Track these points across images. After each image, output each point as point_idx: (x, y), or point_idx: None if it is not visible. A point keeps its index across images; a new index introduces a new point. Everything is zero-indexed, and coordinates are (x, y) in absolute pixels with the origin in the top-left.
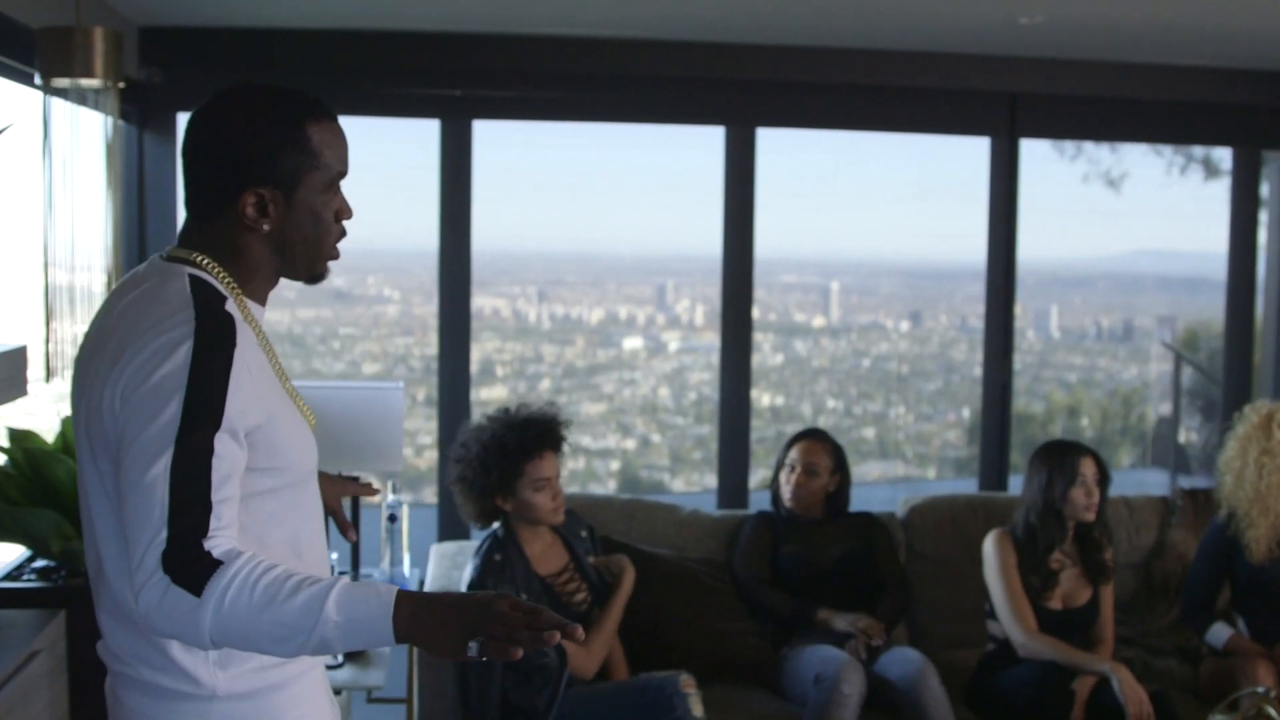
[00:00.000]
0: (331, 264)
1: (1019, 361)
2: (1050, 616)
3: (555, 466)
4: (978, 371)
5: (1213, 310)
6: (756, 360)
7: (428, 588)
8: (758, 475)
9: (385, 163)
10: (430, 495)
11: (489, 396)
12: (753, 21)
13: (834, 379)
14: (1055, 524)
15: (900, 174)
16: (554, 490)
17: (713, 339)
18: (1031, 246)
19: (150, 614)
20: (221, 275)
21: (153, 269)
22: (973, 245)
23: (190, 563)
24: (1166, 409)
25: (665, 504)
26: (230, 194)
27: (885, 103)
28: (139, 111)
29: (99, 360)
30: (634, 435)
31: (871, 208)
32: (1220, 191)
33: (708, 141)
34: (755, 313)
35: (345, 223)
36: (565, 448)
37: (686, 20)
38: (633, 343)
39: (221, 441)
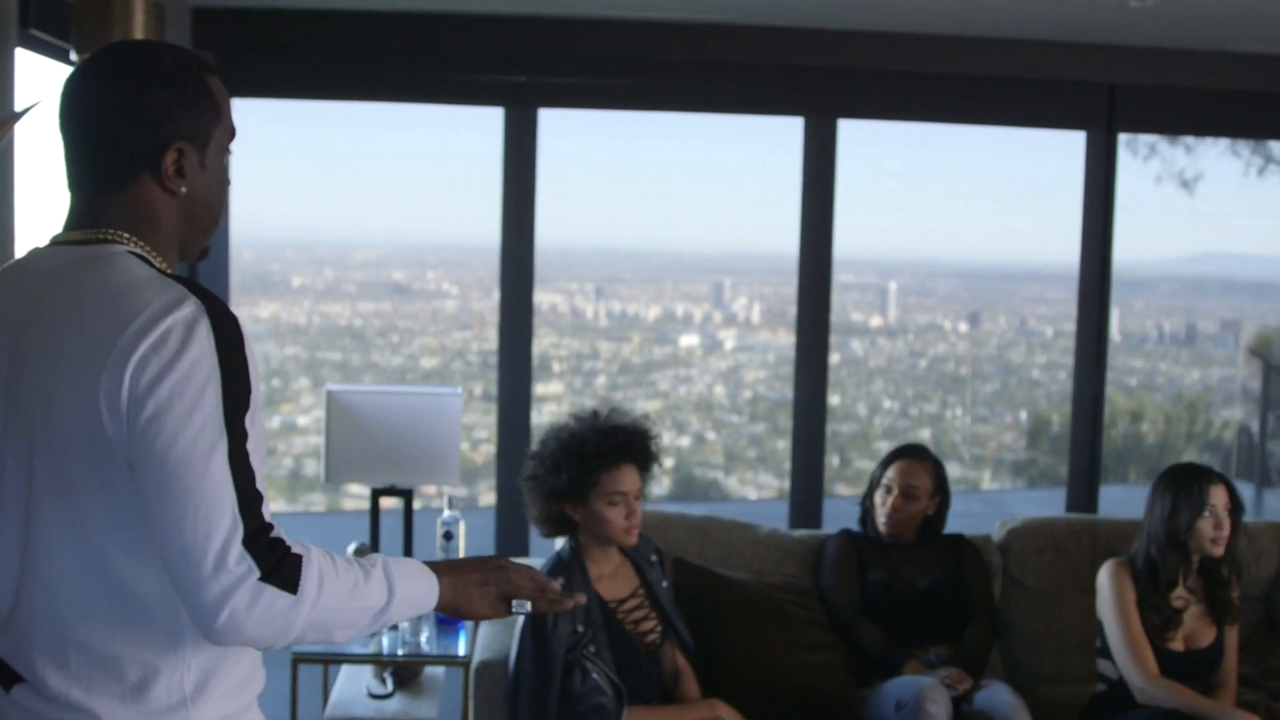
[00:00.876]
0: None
1: (1077, 356)
2: (1171, 659)
3: (637, 483)
4: (1036, 374)
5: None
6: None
7: None
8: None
9: (446, 153)
10: (488, 494)
11: (545, 392)
12: (835, 4)
13: (891, 379)
14: (1179, 558)
15: (966, 171)
16: (630, 508)
17: (769, 337)
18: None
19: (239, 622)
20: (149, 252)
21: (76, 255)
22: (1034, 245)
23: (278, 560)
24: (1231, 414)
25: (741, 522)
26: (147, 153)
27: (973, 94)
28: None
29: (49, 353)
30: (689, 433)
31: (933, 206)
32: None
33: (777, 134)
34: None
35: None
36: (655, 469)
37: (765, 3)
38: (689, 340)
39: (251, 424)
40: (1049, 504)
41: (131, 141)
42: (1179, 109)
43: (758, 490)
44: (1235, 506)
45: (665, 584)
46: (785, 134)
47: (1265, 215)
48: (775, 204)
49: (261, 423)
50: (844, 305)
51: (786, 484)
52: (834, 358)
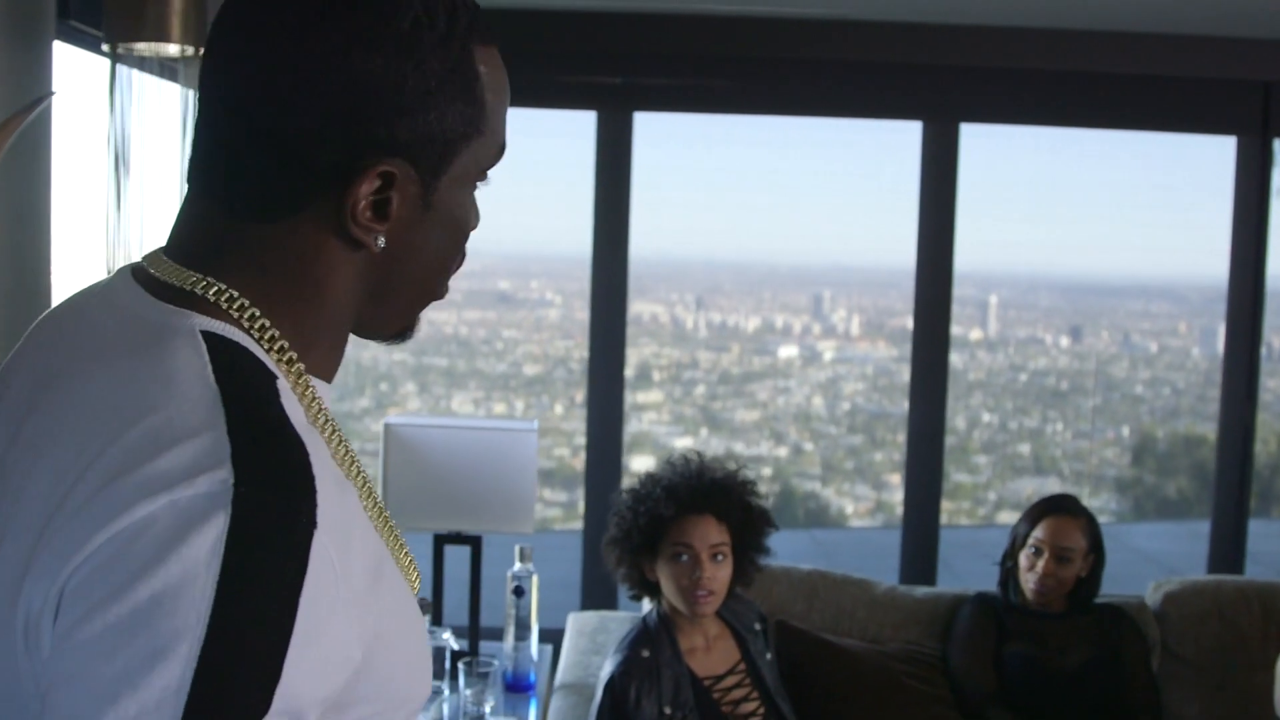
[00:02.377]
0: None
1: (1182, 380)
2: None
3: (712, 537)
4: (1139, 389)
5: None
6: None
7: (560, 678)
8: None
9: (540, 159)
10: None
11: (645, 400)
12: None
13: (990, 393)
14: None
15: (1073, 179)
16: (698, 564)
17: (868, 349)
18: (1205, 261)
19: None
20: (267, 333)
21: (130, 306)
22: (1139, 258)
23: None
24: None
25: (855, 579)
26: (328, 172)
27: (1105, 93)
28: None
29: (17, 482)
30: (787, 443)
31: (1031, 217)
32: None
33: (887, 139)
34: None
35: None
36: (754, 530)
37: (891, 2)
38: (788, 351)
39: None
40: (1169, 539)
41: (305, 139)
42: None
43: (855, 502)
44: None
45: (769, 656)
46: (896, 139)
47: None
48: (880, 214)
49: (370, 679)
50: None
51: (883, 495)
52: None
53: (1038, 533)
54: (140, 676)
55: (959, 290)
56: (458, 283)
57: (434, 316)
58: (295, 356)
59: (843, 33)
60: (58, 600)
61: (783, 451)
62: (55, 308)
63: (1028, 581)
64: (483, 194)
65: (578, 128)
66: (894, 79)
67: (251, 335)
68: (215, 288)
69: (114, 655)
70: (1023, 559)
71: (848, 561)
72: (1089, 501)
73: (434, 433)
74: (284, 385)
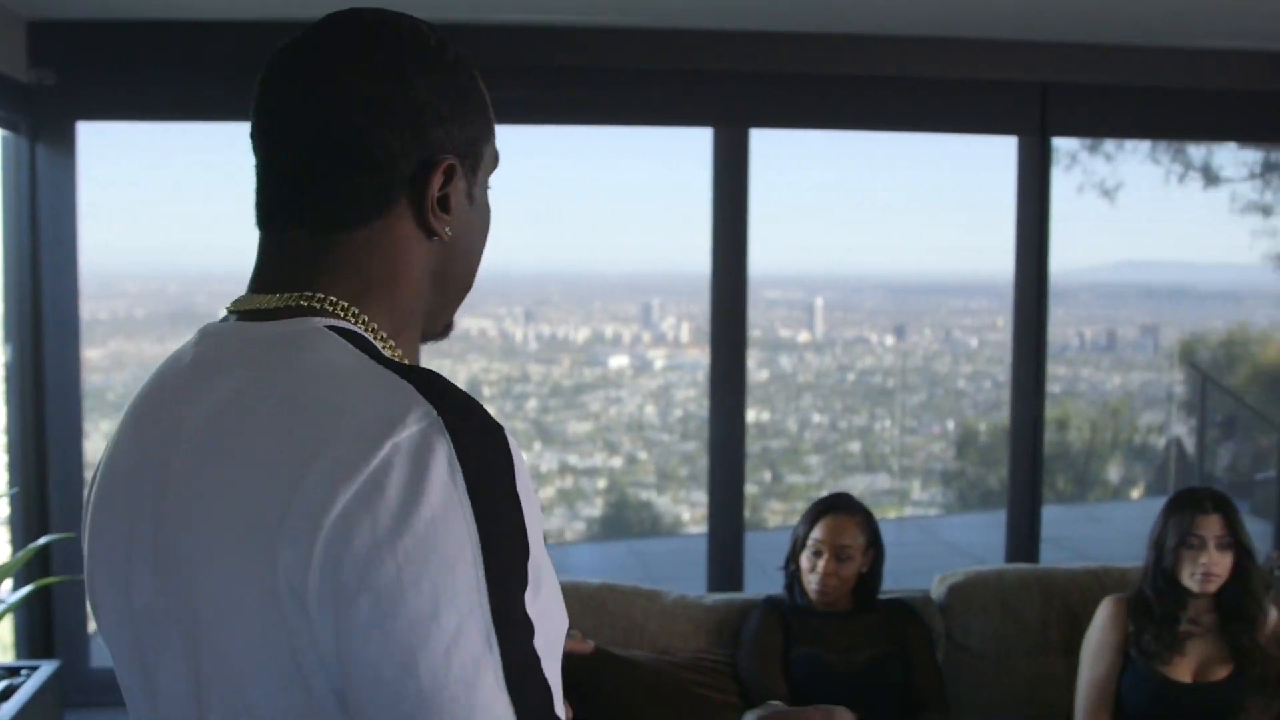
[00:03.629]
0: None
1: (1003, 374)
2: (1176, 691)
3: None
4: (962, 384)
5: (1201, 321)
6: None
7: None
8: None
9: None
10: None
11: None
12: (743, 4)
13: (819, 394)
14: (1172, 592)
15: (889, 182)
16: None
17: (699, 356)
18: (1009, 256)
19: None
20: (370, 325)
21: (255, 336)
22: (958, 258)
23: None
24: (1153, 417)
25: (645, 590)
26: (409, 171)
27: (894, 97)
28: (29, 120)
29: (208, 504)
30: (621, 453)
31: (856, 220)
32: (1219, 199)
33: (695, 147)
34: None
35: None
36: None
37: (665, 4)
38: (619, 361)
39: (535, 598)
40: (983, 529)
41: (386, 151)
42: (1114, 110)
43: (690, 508)
44: (1235, 538)
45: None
46: (700, 146)
47: (1184, 222)
48: (696, 221)
49: (552, 586)
50: (771, 321)
51: None
52: (763, 374)
53: (816, 533)
54: (447, 591)
55: (785, 294)
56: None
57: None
58: (394, 345)
59: (634, 40)
60: (319, 555)
61: (617, 462)
62: (144, 397)
63: (810, 582)
64: None
65: None
66: (682, 85)
67: (368, 333)
68: (316, 297)
69: (419, 582)
70: (804, 560)
71: (664, 570)
72: (917, 496)
73: None
74: None
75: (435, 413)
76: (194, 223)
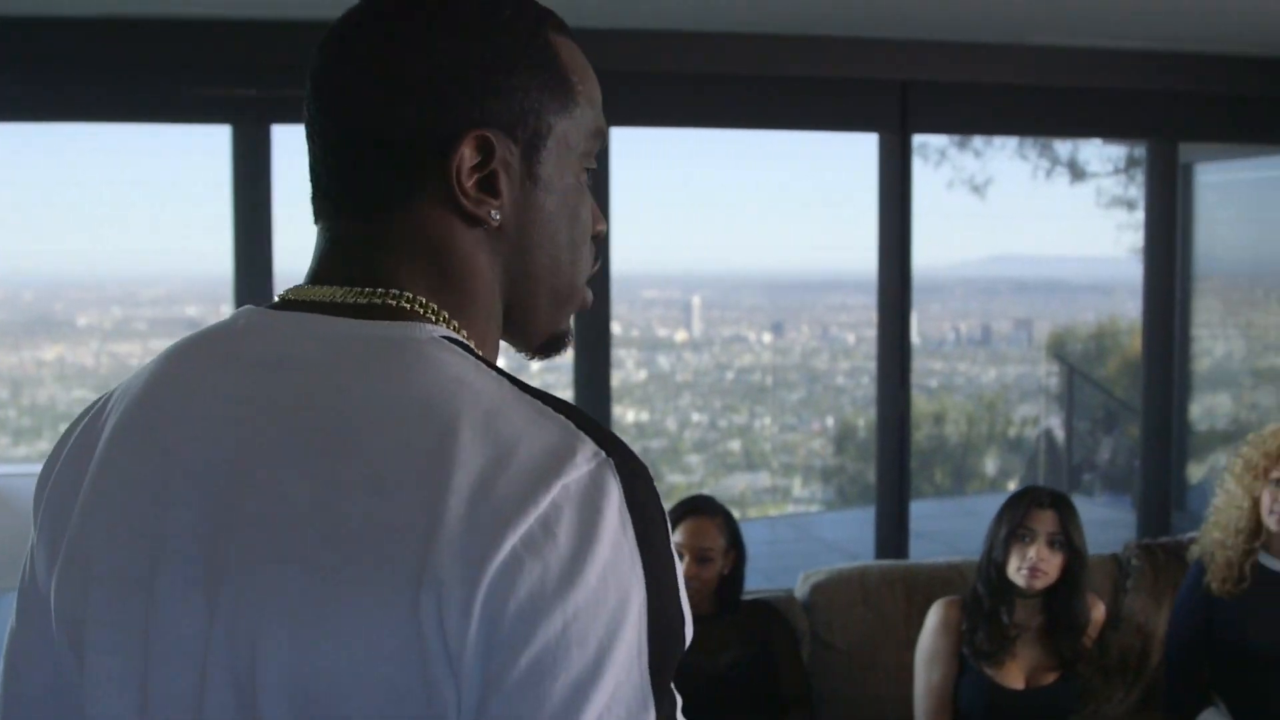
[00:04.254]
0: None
1: (879, 370)
2: (1009, 698)
3: None
4: (840, 380)
5: (1072, 314)
6: (620, 377)
7: None
8: None
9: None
10: None
11: None
12: (599, 2)
13: (698, 392)
14: (1002, 588)
15: (759, 179)
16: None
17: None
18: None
19: None
20: (461, 332)
21: (345, 335)
22: (834, 255)
23: None
24: (1028, 410)
25: None
26: (433, 153)
27: (756, 96)
28: None
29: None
30: None
31: (729, 219)
32: (1086, 194)
33: None
34: (616, 328)
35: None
36: None
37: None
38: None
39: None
40: (859, 525)
41: (406, 133)
42: (975, 107)
43: None
44: (1067, 538)
45: None
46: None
47: (1053, 217)
48: None
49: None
50: (649, 321)
51: None
52: (641, 374)
53: (676, 536)
54: (612, 651)
55: (663, 293)
56: (142, 311)
57: (116, 349)
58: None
59: None
60: (481, 602)
61: None
62: (159, 383)
63: None
64: (175, 219)
65: (213, 144)
66: None
67: (461, 337)
68: (409, 297)
69: (585, 639)
70: None
71: None
72: (798, 492)
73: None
74: None
75: (604, 453)
76: (50, 228)
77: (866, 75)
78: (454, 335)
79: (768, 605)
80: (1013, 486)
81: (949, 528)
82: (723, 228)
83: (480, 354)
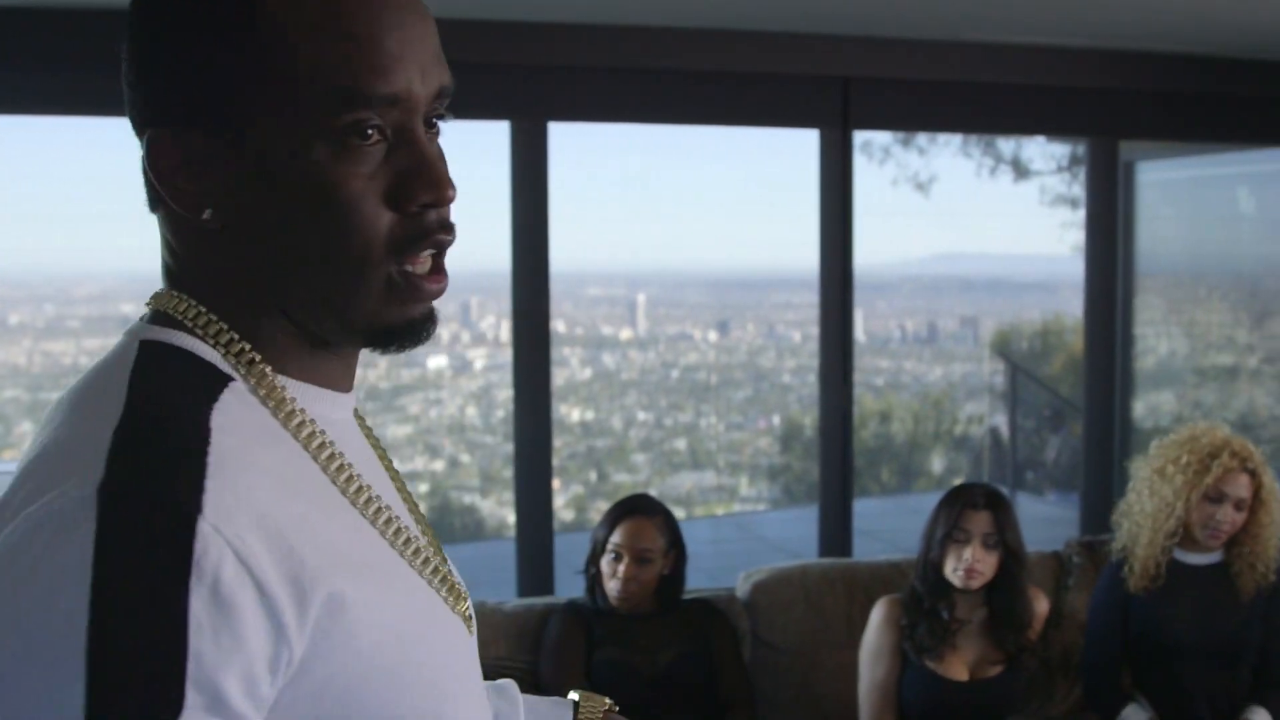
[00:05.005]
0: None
1: (822, 368)
2: (952, 690)
3: None
4: (786, 379)
5: (1017, 311)
6: (565, 375)
7: None
8: (570, 492)
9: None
10: None
11: None
12: None
13: (644, 391)
14: (939, 586)
15: (704, 176)
16: None
17: None
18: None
19: None
20: (224, 337)
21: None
22: (779, 252)
23: None
24: (975, 408)
25: None
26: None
27: (697, 91)
28: None
29: None
30: (442, 456)
31: (674, 216)
32: (1030, 192)
33: (493, 141)
34: (561, 327)
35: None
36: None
37: None
38: (437, 361)
39: None
40: (803, 524)
41: (132, 121)
42: (916, 104)
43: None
44: (1002, 538)
45: None
46: (500, 140)
47: (997, 215)
48: (499, 217)
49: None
50: (593, 319)
51: None
52: (586, 372)
53: (615, 537)
54: (23, 702)
55: (607, 290)
56: (75, 309)
57: (49, 348)
58: (257, 358)
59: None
60: None
61: (439, 465)
62: None
63: (611, 587)
64: (112, 214)
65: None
66: (480, 78)
67: (208, 341)
68: (175, 299)
69: (27, 674)
70: (604, 564)
71: (475, 576)
72: (745, 491)
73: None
74: (238, 387)
75: (100, 482)
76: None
77: (808, 71)
78: (165, 339)
79: (708, 604)
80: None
81: (894, 525)
82: (668, 225)
83: (210, 346)
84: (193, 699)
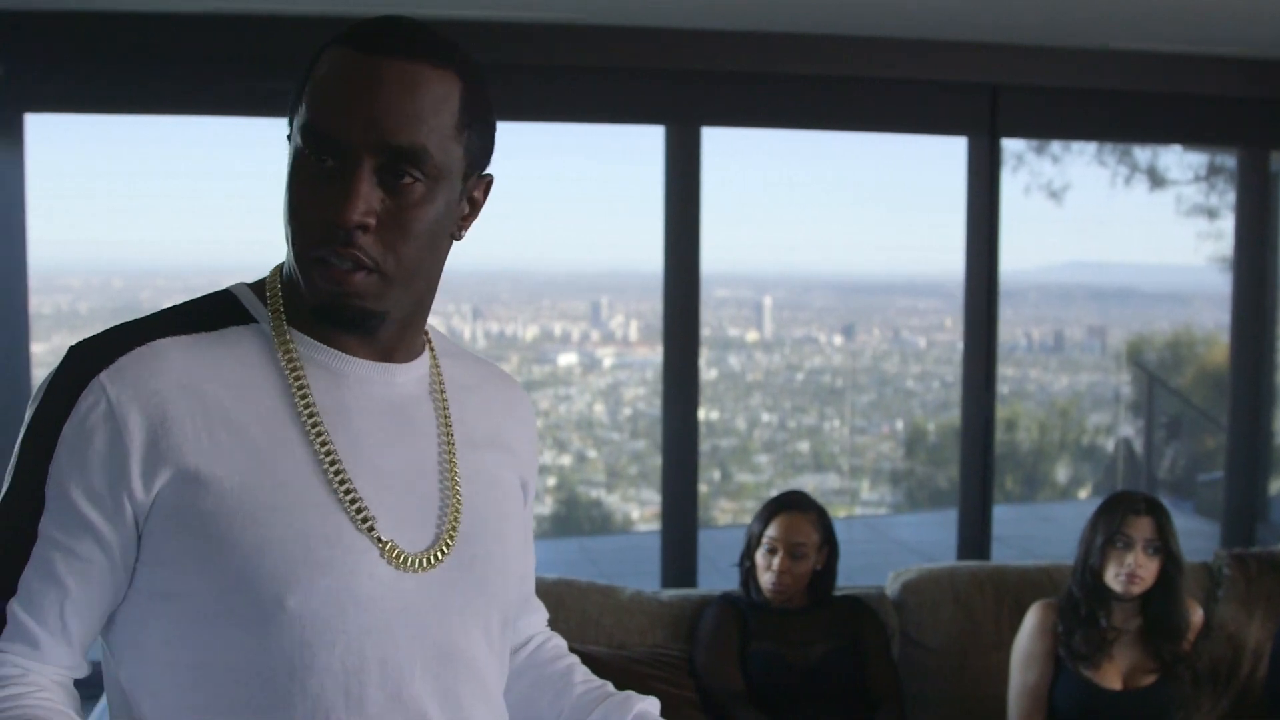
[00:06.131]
0: (324, 288)
1: (951, 374)
2: (1105, 699)
3: None
4: (910, 384)
5: (1146, 322)
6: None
7: None
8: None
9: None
10: None
11: None
12: (695, 2)
13: (768, 393)
14: (1098, 592)
15: (831, 180)
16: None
17: (647, 354)
18: (958, 256)
19: None
20: (275, 289)
21: None
22: (905, 257)
23: None
24: (1101, 418)
25: (601, 586)
26: None
27: (846, 97)
28: None
29: None
30: (570, 451)
31: (806, 219)
32: (1166, 201)
33: (645, 144)
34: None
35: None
36: None
37: (617, 2)
38: (567, 359)
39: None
40: (934, 528)
41: None
42: (1064, 112)
43: (640, 506)
44: (1164, 544)
45: None
46: (651, 144)
47: (1130, 223)
48: (649, 219)
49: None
50: (720, 320)
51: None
52: (711, 373)
53: (770, 531)
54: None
55: (734, 292)
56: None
57: None
58: (281, 310)
59: (587, 38)
60: None
61: (566, 460)
62: None
63: (765, 580)
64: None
65: None
66: (635, 84)
67: (270, 291)
68: (277, 266)
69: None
70: (759, 558)
71: (614, 568)
72: (866, 495)
73: None
74: (259, 328)
75: (70, 350)
76: (138, 217)
77: (957, 78)
78: (234, 289)
79: (859, 601)
80: (1083, 495)
81: (1025, 533)
82: (795, 229)
83: (258, 298)
84: (52, 501)
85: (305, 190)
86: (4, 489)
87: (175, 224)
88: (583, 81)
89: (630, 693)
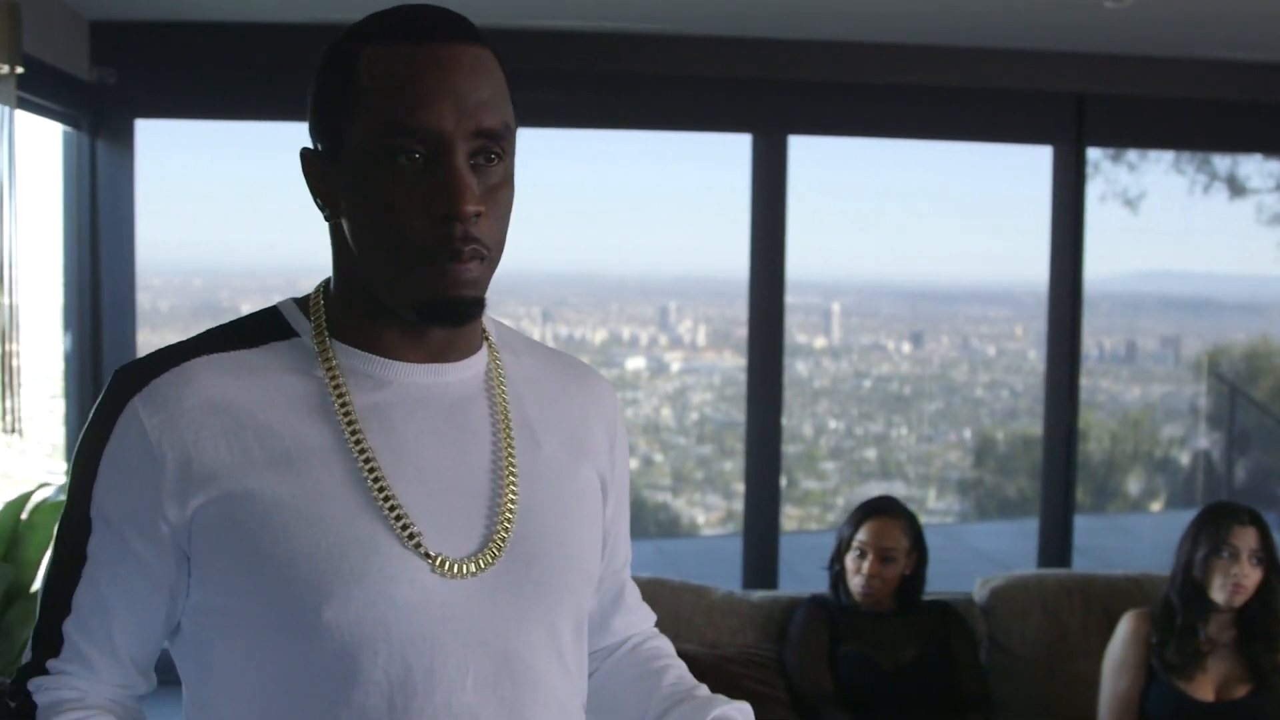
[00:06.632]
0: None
1: (1020, 383)
2: (1197, 710)
3: None
4: (979, 393)
5: (1221, 333)
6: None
7: None
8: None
9: None
10: None
11: None
12: (783, 13)
13: (836, 400)
14: (1198, 603)
15: (912, 189)
16: None
17: (714, 359)
18: (1034, 266)
19: None
20: (318, 303)
21: None
22: (977, 264)
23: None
24: (1173, 430)
25: (693, 586)
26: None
27: (932, 106)
28: (91, 117)
29: None
30: (637, 455)
31: (875, 226)
32: (1246, 210)
33: (718, 151)
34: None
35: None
36: None
37: (708, 11)
38: (635, 363)
39: (98, 542)
40: (1005, 537)
41: None
42: (1149, 121)
43: (706, 511)
44: (1268, 555)
45: None
46: (731, 151)
47: (1207, 232)
48: (721, 225)
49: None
50: (789, 326)
51: (733, 504)
52: None
53: (861, 535)
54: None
55: (802, 299)
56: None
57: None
58: (324, 325)
59: (674, 47)
60: None
61: (633, 463)
62: None
63: (854, 583)
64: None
65: None
66: (723, 92)
67: (314, 306)
68: (321, 282)
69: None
70: (849, 561)
71: (692, 570)
72: (933, 504)
73: None
74: (300, 343)
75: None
76: (227, 220)
77: (1043, 87)
78: (280, 305)
79: (948, 606)
80: (1156, 507)
81: (1101, 544)
82: (865, 236)
83: (304, 313)
84: (97, 523)
85: (401, 190)
86: (63, 509)
87: (254, 226)
88: (671, 90)
89: (718, 696)
